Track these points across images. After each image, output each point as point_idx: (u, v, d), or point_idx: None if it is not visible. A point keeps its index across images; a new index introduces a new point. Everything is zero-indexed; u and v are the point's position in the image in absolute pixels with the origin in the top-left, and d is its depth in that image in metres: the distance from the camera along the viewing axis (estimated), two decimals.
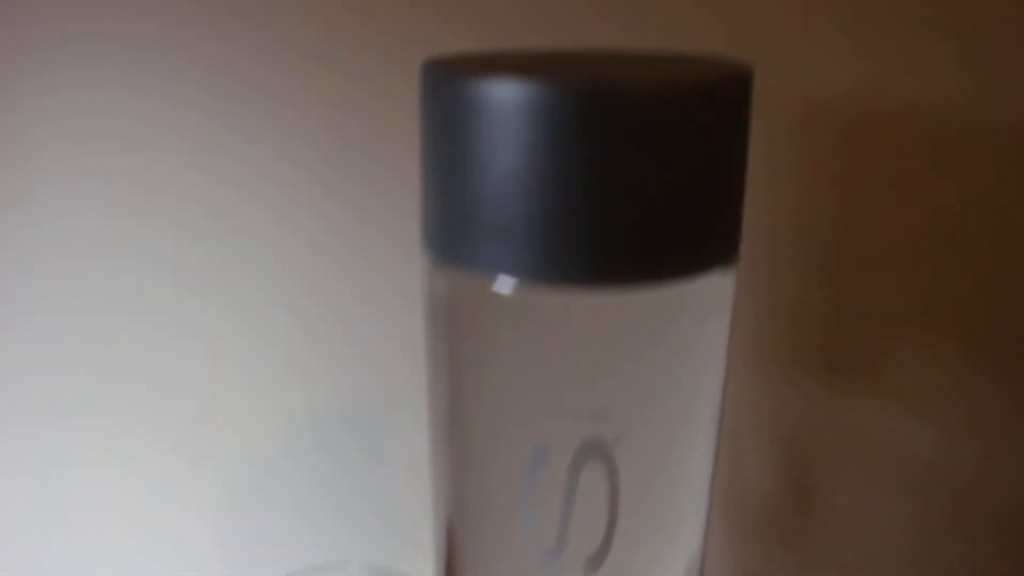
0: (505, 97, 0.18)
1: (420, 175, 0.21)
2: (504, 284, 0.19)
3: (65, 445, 0.42)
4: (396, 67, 0.36)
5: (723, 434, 0.41)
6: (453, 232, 0.19)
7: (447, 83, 0.19)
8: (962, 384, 0.39)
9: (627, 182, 0.18)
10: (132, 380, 0.41)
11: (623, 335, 0.19)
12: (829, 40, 0.34)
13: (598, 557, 0.21)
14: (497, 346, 0.20)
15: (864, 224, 0.37)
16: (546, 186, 0.18)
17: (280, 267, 0.39)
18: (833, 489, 0.41)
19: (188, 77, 0.37)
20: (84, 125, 0.37)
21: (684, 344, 0.20)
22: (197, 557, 0.43)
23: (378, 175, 0.37)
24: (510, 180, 0.18)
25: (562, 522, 0.21)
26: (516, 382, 0.20)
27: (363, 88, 0.36)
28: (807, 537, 0.42)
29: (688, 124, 0.18)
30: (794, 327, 0.39)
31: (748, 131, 0.20)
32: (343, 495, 0.42)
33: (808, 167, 0.36)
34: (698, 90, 0.18)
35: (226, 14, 0.36)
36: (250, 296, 0.39)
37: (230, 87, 0.37)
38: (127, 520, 0.43)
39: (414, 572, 0.43)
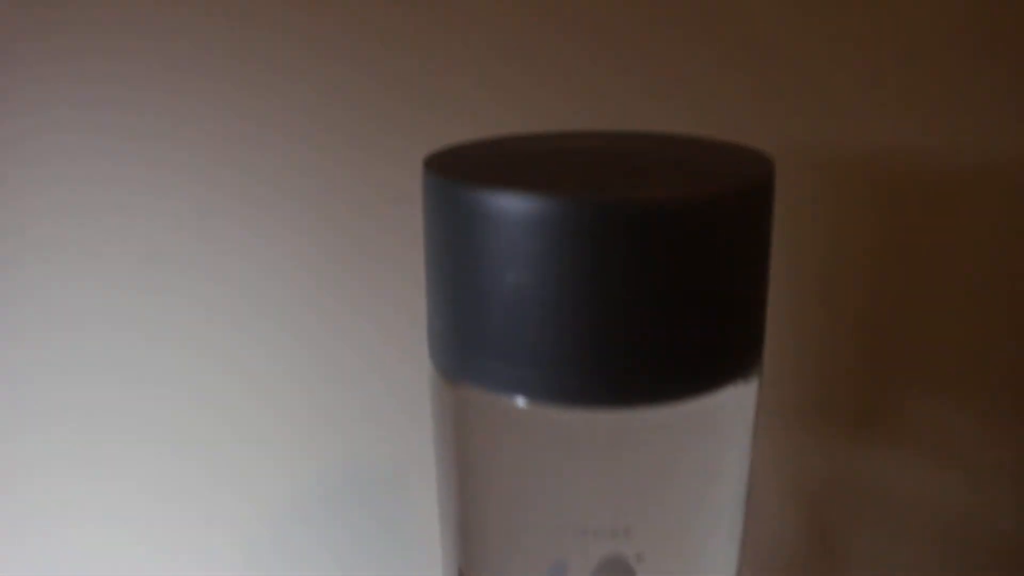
0: (512, 209, 0.17)
1: (425, 282, 0.20)
2: (514, 401, 0.18)
3: (70, 506, 0.41)
4: (404, 159, 0.35)
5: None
6: (459, 347, 0.18)
7: (451, 190, 0.18)
8: (989, 436, 0.37)
9: (642, 298, 0.17)
10: (144, 448, 0.40)
11: (642, 450, 0.18)
12: (846, 102, 0.33)
13: None
14: (509, 460, 0.19)
15: (888, 278, 0.36)
16: (556, 303, 0.17)
17: (292, 337, 0.38)
18: (859, 543, 0.40)
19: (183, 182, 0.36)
20: (77, 193, 0.37)
21: (706, 456, 0.19)
22: None
23: (388, 240, 0.36)
24: (518, 296, 0.17)
25: None
26: (530, 497, 0.19)
27: (368, 182, 0.35)
28: None
29: (708, 235, 0.17)
30: (820, 380, 0.37)
31: (770, 233, 0.19)
32: (354, 562, 0.41)
33: (831, 223, 0.35)
34: (718, 200, 0.17)
35: (231, 107, 0.35)
36: (260, 363, 0.39)
37: (236, 182, 0.36)
38: None
39: None
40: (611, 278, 0.16)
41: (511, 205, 0.16)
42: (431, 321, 0.19)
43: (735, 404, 0.19)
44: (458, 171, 0.18)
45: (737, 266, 0.17)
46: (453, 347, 0.18)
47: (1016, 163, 0.34)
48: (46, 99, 0.36)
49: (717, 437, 0.19)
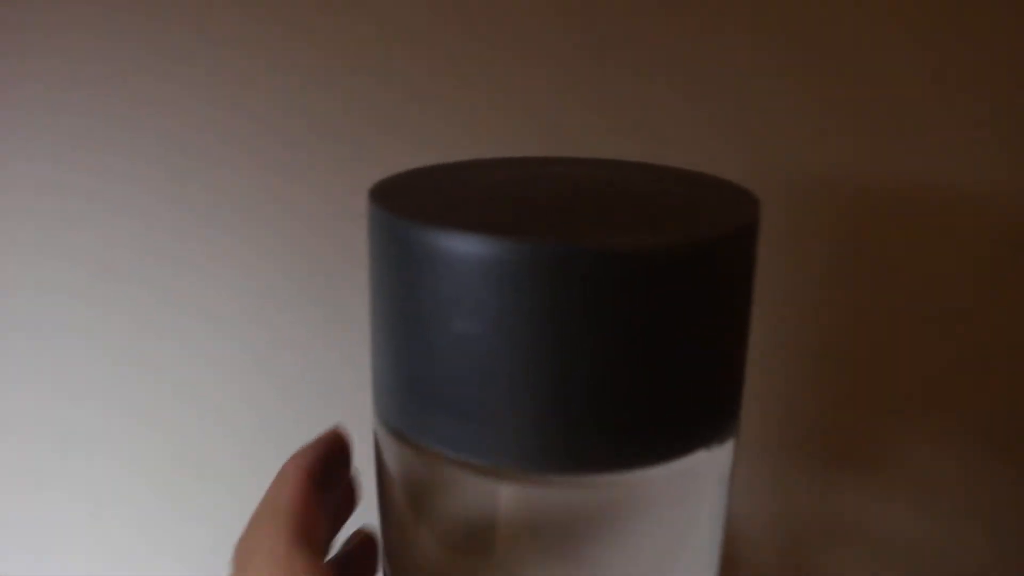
0: (463, 252, 0.14)
1: (370, 326, 0.18)
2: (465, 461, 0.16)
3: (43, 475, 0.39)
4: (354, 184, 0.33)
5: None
6: (404, 401, 0.16)
7: (397, 228, 0.15)
8: (965, 473, 0.36)
9: (606, 355, 0.14)
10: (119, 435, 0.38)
11: (605, 516, 0.16)
12: (822, 128, 0.32)
13: None
14: (460, 526, 0.17)
15: (864, 314, 0.34)
16: (511, 357, 0.15)
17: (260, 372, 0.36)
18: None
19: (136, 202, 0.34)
20: (41, 224, 0.34)
21: (677, 522, 0.17)
22: None
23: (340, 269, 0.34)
24: (466, 348, 0.15)
25: None
26: (481, 565, 0.17)
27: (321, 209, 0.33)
28: None
29: (685, 286, 0.15)
30: (795, 418, 0.36)
31: (753, 280, 0.17)
32: None
33: (805, 255, 0.33)
34: (697, 247, 0.14)
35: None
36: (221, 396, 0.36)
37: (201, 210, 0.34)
38: None
39: None
40: (573, 332, 0.14)
41: (460, 246, 0.14)
42: (376, 374, 0.17)
43: (708, 468, 0.17)
44: (406, 204, 0.16)
45: (717, 318, 0.15)
46: (396, 398, 0.16)
47: (996, 192, 0.32)
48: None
49: (688, 502, 0.17)
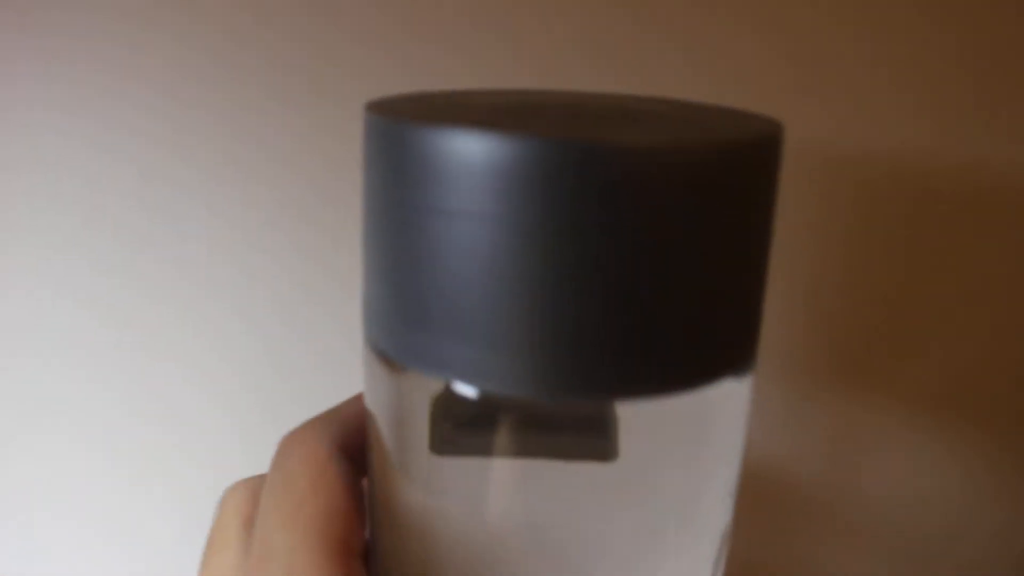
0: (467, 152, 0.13)
1: (362, 248, 0.16)
2: (465, 388, 0.15)
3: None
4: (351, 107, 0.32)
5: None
6: (401, 325, 0.15)
7: (394, 133, 0.14)
8: (971, 461, 0.35)
9: (623, 268, 0.13)
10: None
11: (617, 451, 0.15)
12: (848, 104, 0.31)
13: None
14: (459, 460, 0.15)
15: (875, 303, 0.33)
16: (519, 269, 0.14)
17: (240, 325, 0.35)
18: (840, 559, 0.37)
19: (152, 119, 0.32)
20: (50, 155, 0.33)
21: (691, 458, 0.16)
22: None
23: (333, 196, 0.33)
24: (470, 262, 0.14)
25: None
26: (480, 500, 0.16)
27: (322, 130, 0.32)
28: None
29: (707, 191, 0.13)
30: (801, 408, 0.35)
31: (775, 202, 0.16)
32: None
33: (820, 216, 0.32)
34: (722, 148, 0.13)
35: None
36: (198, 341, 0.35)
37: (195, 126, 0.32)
38: None
39: None
40: (589, 242, 0.13)
41: (463, 145, 0.13)
42: (367, 294, 0.16)
43: (728, 399, 0.16)
44: (405, 113, 0.15)
45: (739, 234, 0.14)
46: (394, 325, 0.15)
47: (1010, 167, 0.32)
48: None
49: (703, 439, 0.16)
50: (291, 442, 0.19)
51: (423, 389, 0.15)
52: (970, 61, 0.30)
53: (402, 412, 0.16)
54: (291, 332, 0.35)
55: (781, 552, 0.37)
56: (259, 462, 0.37)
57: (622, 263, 0.13)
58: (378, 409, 0.16)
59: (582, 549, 0.15)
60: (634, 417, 0.15)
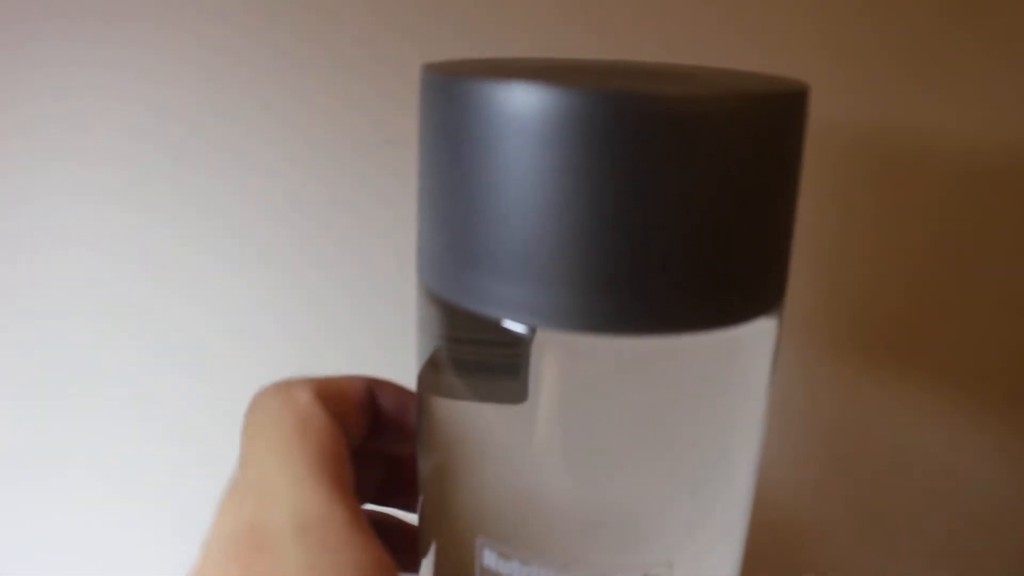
0: (521, 104, 0.14)
1: (418, 197, 0.18)
2: (514, 325, 0.16)
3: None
4: (406, 71, 0.33)
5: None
6: (454, 265, 0.16)
7: (452, 88, 0.16)
8: (1007, 438, 0.36)
9: (667, 210, 0.15)
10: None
11: (654, 381, 0.16)
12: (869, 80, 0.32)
13: None
14: (508, 392, 0.17)
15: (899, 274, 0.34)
16: (570, 215, 0.15)
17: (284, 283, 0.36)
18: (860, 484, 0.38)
19: (182, 74, 0.34)
20: (75, 126, 0.35)
21: (723, 393, 0.17)
22: None
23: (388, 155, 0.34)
24: (517, 205, 0.15)
25: None
26: (533, 431, 0.17)
27: (371, 90, 0.33)
28: None
29: (743, 141, 0.15)
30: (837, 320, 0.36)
31: (802, 154, 0.17)
32: None
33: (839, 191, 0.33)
34: (756, 101, 0.15)
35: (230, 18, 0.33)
36: (259, 269, 0.36)
37: (232, 88, 0.34)
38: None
39: None
40: (633, 186, 0.14)
41: (518, 98, 0.14)
42: (422, 236, 0.17)
43: (755, 341, 0.17)
44: (460, 70, 0.16)
45: (772, 181, 0.15)
46: (447, 263, 0.16)
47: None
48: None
49: (734, 375, 0.17)
50: (268, 394, 0.19)
51: (475, 328, 0.16)
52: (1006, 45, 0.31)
53: (453, 348, 0.17)
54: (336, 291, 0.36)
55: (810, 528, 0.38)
56: None
57: (661, 206, 0.15)
58: (437, 352, 0.18)
59: (619, 481, 0.17)
60: (673, 352, 0.16)
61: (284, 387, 0.19)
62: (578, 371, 0.16)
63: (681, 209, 0.15)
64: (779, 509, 0.38)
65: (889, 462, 0.37)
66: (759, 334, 0.17)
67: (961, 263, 0.34)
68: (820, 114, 0.32)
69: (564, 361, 0.16)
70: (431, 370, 0.18)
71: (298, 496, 0.17)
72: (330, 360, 0.37)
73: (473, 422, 0.17)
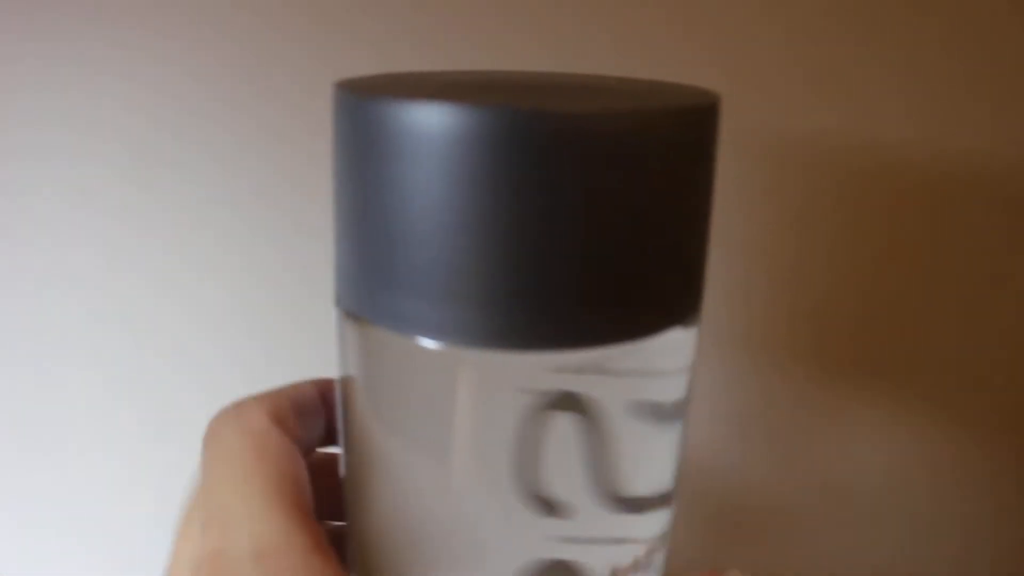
0: (426, 122, 0.14)
1: (333, 218, 0.18)
2: (427, 342, 0.16)
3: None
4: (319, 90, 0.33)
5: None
6: (366, 283, 0.16)
7: (363, 108, 0.16)
8: (939, 452, 0.37)
9: (571, 227, 0.15)
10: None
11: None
12: (806, 88, 0.32)
13: None
14: (423, 409, 0.17)
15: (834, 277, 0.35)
16: (475, 232, 0.15)
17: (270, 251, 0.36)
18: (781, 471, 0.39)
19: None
20: (42, 134, 0.34)
21: (642, 405, 0.17)
22: None
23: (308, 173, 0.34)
24: (429, 224, 0.15)
25: None
26: (446, 446, 0.17)
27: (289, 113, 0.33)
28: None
29: (652, 152, 0.15)
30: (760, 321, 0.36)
31: (715, 165, 0.17)
32: None
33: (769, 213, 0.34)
34: (663, 115, 0.15)
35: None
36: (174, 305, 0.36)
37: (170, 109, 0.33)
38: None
39: None
40: (540, 202, 0.14)
41: (426, 117, 0.14)
42: (338, 260, 0.17)
43: (670, 353, 0.17)
44: (371, 89, 0.16)
45: (682, 193, 0.15)
46: (361, 284, 0.16)
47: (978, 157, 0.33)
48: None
49: (648, 386, 0.17)
50: (224, 420, 0.19)
51: (390, 346, 0.16)
52: (959, 50, 0.32)
53: (371, 367, 0.17)
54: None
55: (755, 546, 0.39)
56: None
57: (565, 223, 0.15)
58: (353, 371, 0.18)
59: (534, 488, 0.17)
60: (585, 360, 0.16)
61: (238, 411, 0.19)
62: (489, 388, 0.16)
63: (585, 225, 0.15)
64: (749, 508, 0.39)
65: (843, 470, 0.38)
66: (674, 345, 0.17)
67: (914, 271, 0.35)
68: (787, 124, 0.33)
69: (475, 378, 0.16)
70: (345, 389, 0.18)
71: (256, 523, 0.17)
72: (303, 359, 0.36)
73: (385, 441, 0.17)
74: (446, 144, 0.14)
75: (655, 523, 0.18)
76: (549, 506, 0.17)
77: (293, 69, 0.33)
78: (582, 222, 0.15)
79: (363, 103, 0.15)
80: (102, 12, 0.32)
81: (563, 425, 0.16)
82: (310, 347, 0.36)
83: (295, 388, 0.21)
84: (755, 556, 0.39)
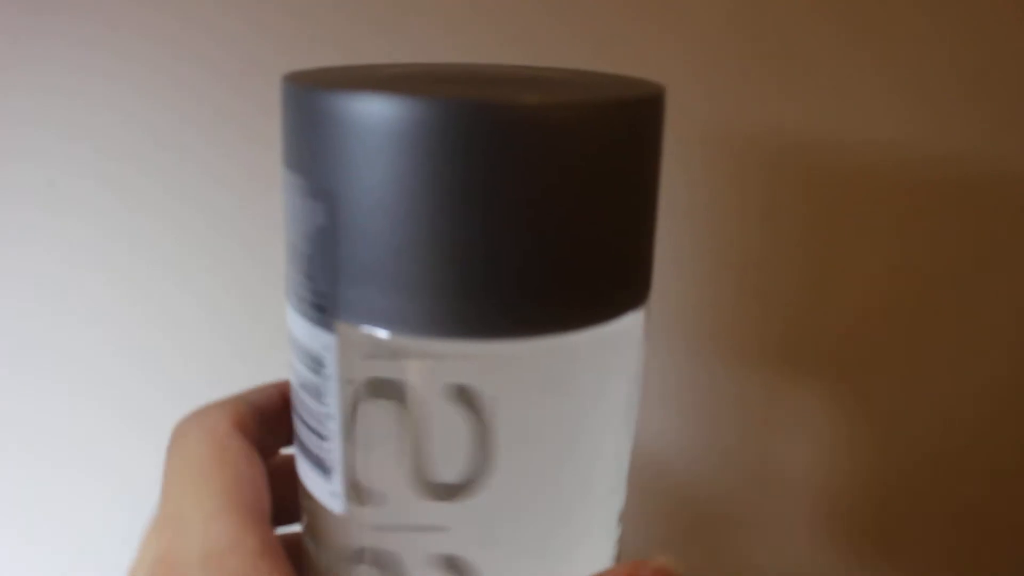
0: (373, 113, 0.15)
1: (283, 209, 0.18)
2: (380, 332, 0.16)
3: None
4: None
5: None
6: (320, 278, 0.16)
7: (309, 98, 0.16)
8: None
9: (520, 215, 0.15)
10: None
11: (518, 383, 0.16)
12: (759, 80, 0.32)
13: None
14: (378, 404, 0.17)
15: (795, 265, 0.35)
16: (426, 222, 0.15)
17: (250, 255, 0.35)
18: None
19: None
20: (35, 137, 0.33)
21: (591, 388, 0.17)
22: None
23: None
24: (378, 215, 0.15)
25: None
26: (399, 437, 0.17)
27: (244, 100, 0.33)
28: None
29: (595, 143, 0.15)
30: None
31: (660, 156, 0.17)
32: None
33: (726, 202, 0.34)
34: (607, 107, 0.15)
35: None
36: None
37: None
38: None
39: None
40: (486, 191, 0.15)
41: (372, 108, 0.15)
42: (287, 250, 0.17)
43: (620, 337, 0.17)
44: (316, 80, 0.16)
45: (628, 181, 0.16)
46: (316, 280, 0.16)
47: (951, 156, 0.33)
48: None
49: (604, 368, 0.17)
50: (187, 424, 0.20)
51: (343, 338, 0.16)
52: (958, 51, 0.32)
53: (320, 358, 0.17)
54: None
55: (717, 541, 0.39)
56: None
57: (510, 212, 0.15)
58: (299, 354, 0.18)
59: (489, 483, 0.17)
60: (535, 348, 0.16)
61: (201, 416, 0.20)
62: (442, 376, 0.16)
63: (532, 214, 0.15)
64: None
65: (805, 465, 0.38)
66: (623, 330, 0.17)
67: (884, 265, 0.35)
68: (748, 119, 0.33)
69: (429, 367, 0.16)
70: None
71: (208, 527, 0.17)
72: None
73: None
74: (392, 135, 0.15)
75: (469, 511, 0.18)
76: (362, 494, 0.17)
77: (259, 63, 0.33)
78: (526, 212, 0.15)
79: (308, 95, 0.15)
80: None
81: (378, 411, 0.16)
82: (276, 348, 0.36)
83: (259, 391, 0.21)
84: (707, 550, 0.39)
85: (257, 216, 0.34)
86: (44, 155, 0.34)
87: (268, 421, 0.21)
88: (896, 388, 0.37)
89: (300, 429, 0.18)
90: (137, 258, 0.35)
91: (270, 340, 0.36)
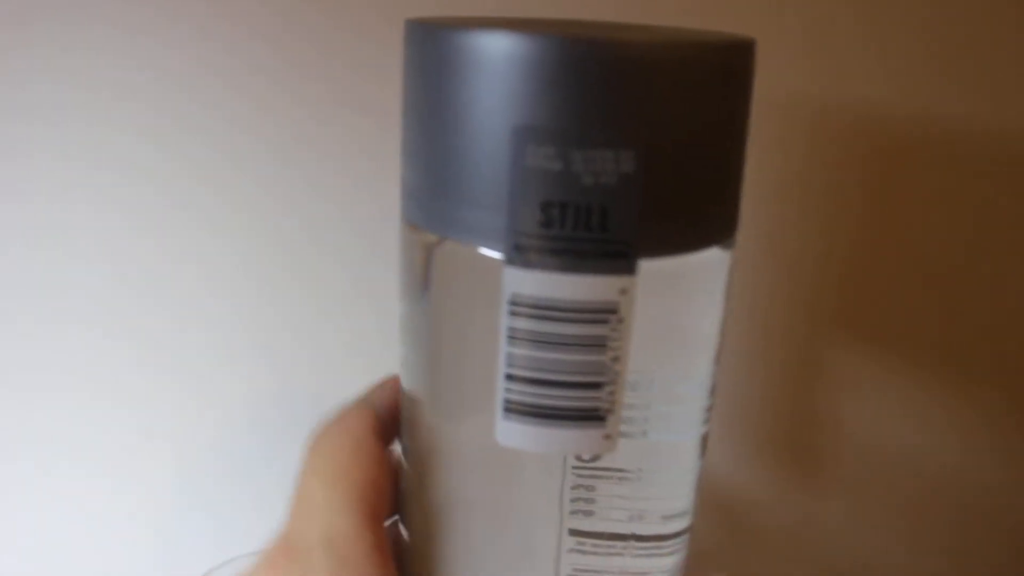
0: (491, 48, 0.16)
1: (401, 138, 0.19)
2: (490, 252, 0.18)
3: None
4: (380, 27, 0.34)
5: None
6: (433, 196, 0.18)
7: (435, 37, 0.17)
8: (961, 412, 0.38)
9: (625, 147, 0.16)
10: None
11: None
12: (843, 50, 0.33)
13: None
14: (487, 320, 0.18)
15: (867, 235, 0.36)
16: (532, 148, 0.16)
17: (258, 247, 0.37)
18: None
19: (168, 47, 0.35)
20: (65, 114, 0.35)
21: (682, 315, 0.19)
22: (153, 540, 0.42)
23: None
24: (491, 141, 0.17)
25: None
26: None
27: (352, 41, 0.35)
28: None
29: (692, 84, 0.17)
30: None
31: (749, 106, 0.19)
32: None
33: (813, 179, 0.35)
34: (707, 48, 0.17)
35: None
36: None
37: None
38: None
39: None
40: (597, 123, 0.16)
41: (497, 44, 0.16)
42: (405, 176, 0.19)
43: (709, 273, 0.19)
44: (441, 23, 0.18)
45: (722, 122, 0.18)
46: (426, 195, 0.18)
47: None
48: None
49: (693, 299, 0.19)
50: (331, 425, 0.22)
51: (453, 256, 0.18)
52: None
53: (433, 278, 0.19)
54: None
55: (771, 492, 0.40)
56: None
57: (622, 143, 0.16)
58: (411, 275, 0.19)
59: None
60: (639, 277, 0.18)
61: (343, 416, 0.22)
62: (547, 299, 0.17)
63: (644, 145, 0.16)
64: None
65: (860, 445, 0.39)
66: (711, 264, 0.19)
67: (961, 251, 0.36)
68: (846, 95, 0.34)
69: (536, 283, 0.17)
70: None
71: (334, 517, 0.20)
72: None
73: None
74: (507, 70, 0.16)
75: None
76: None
77: (287, 52, 0.34)
78: (646, 142, 0.16)
79: (432, 33, 0.17)
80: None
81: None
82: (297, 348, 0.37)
83: (379, 393, 0.23)
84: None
85: (255, 221, 0.36)
86: (56, 147, 0.35)
87: (390, 424, 0.23)
88: (943, 360, 0.37)
89: (546, 393, 0.18)
90: (160, 253, 0.36)
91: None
